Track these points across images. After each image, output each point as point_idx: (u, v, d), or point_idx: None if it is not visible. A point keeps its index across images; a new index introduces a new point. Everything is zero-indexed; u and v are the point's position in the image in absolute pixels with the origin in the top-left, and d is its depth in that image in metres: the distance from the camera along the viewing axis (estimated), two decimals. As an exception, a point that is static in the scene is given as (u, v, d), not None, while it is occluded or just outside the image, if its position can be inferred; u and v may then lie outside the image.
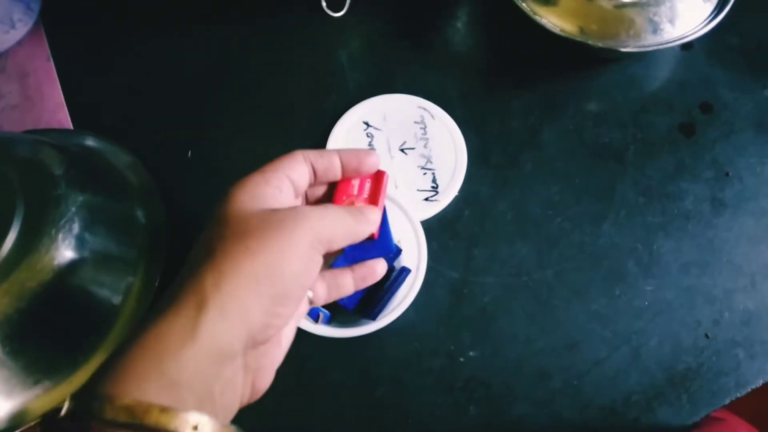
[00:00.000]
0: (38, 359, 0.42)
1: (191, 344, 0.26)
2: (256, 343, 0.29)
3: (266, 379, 0.33)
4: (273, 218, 0.31)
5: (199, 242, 0.31)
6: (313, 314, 0.45)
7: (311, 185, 0.37)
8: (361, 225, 0.35)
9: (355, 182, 0.38)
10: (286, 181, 0.33)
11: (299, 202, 0.37)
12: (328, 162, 0.36)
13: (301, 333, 0.44)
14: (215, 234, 0.30)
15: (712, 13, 0.53)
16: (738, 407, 0.46)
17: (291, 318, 0.32)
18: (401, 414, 0.46)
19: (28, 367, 0.42)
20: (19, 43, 0.62)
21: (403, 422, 0.45)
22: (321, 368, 0.47)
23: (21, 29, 0.61)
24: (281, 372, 0.47)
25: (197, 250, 0.31)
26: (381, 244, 0.39)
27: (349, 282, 0.39)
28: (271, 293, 0.29)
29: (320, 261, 0.32)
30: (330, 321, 0.46)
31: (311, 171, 0.35)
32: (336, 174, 0.37)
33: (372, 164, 0.37)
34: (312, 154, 0.35)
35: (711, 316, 0.48)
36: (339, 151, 0.37)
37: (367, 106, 0.56)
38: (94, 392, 0.25)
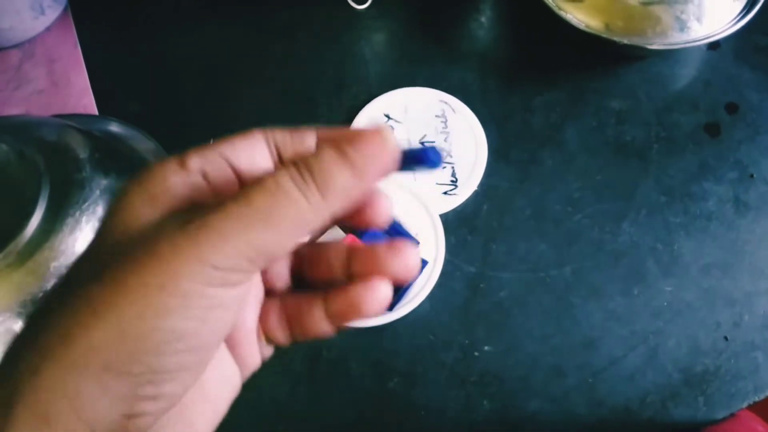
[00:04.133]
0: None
1: None
2: None
3: None
4: (144, 237, 0.19)
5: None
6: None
7: None
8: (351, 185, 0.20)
9: None
10: (219, 164, 0.21)
11: None
12: (300, 143, 0.23)
13: (317, 321, 0.44)
14: (72, 273, 0.20)
15: (740, 12, 0.52)
16: (755, 407, 0.45)
17: (187, 392, 0.20)
18: (414, 406, 0.46)
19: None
20: (48, 29, 0.63)
21: (416, 415, 0.46)
22: (334, 358, 0.47)
23: (50, 15, 0.62)
24: (294, 360, 0.47)
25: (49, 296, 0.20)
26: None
27: (320, 318, 0.23)
28: (127, 371, 0.18)
29: (236, 297, 0.20)
30: (346, 311, 0.46)
31: (275, 156, 0.23)
32: None
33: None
34: (279, 134, 0.23)
35: (731, 319, 0.47)
36: (317, 129, 0.24)
37: (389, 98, 0.56)
38: None
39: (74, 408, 0.18)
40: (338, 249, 0.24)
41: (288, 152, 0.23)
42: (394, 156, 0.20)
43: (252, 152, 0.22)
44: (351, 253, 0.23)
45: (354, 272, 0.23)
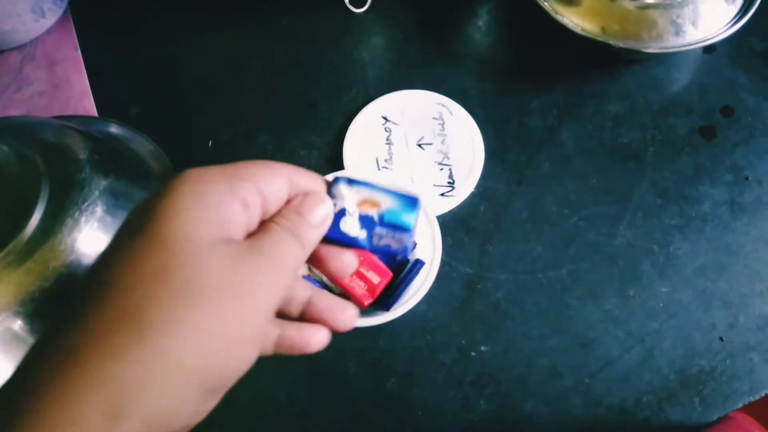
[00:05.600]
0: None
1: None
2: None
3: None
4: (238, 270, 0.22)
5: (102, 271, 0.21)
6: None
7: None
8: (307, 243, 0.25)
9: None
10: (255, 196, 0.24)
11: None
12: (311, 187, 0.27)
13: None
14: (144, 272, 0.21)
15: (735, 16, 0.53)
16: (749, 408, 0.45)
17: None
18: (411, 406, 0.46)
19: (49, 345, 0.43)
20: (48, 32, 0.63)
21: (413, 414, 0.46)
22: (332, 357, 0.48)
23: (50, 18, 0.63)
24: (292, 360, 0.47)
25: (95, 289, 0.21)
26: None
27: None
28: (204, 389, 0.21)
29: (270, 331, 0.25)
30: (343, 311, 0.46)
31: (290, 191, 0.26)
32: None
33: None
34: (297, 174, 0.26)
35: (726, 320, 0.47)
36: (325, 178, 0.28)
37: (386, 101, 0.56)
38: None
39: (164, 423, 0.20)
40: (303, 290, 0.27)
41: (294, 192, 0.26)
42: (328, 208, 0.26)
43: (279, 188, 0.25)
44: (312, 298, 0.27)
45: (307, 315, 0.27)
